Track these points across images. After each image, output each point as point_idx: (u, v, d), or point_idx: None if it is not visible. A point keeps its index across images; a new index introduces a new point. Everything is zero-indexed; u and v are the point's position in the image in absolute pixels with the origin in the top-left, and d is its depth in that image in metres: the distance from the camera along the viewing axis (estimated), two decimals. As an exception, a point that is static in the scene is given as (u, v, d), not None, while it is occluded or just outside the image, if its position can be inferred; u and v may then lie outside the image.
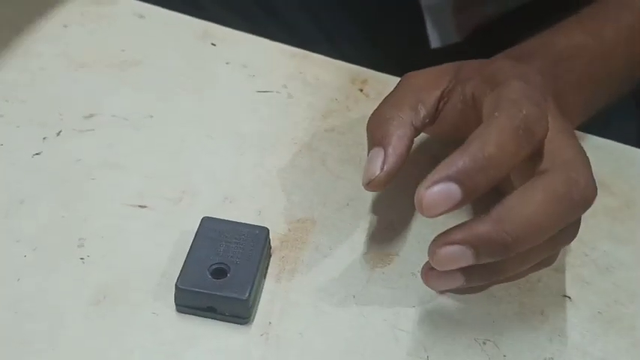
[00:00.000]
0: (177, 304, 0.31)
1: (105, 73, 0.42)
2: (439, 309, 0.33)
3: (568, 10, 0.48)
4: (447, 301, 0.33)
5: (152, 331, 0.31)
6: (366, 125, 0.34)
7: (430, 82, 0.34)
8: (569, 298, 0.34)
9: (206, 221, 0.33)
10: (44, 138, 0.38)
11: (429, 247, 0.29)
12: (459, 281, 0.30)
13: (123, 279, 0.32)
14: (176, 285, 0.31)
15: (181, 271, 0.31)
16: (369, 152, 0.33)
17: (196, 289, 0.31)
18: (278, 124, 0.40)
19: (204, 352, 0.31)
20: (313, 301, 0.33)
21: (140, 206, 0.35)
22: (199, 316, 0.31)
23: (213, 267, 0.31)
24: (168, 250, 0.34)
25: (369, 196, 0.37)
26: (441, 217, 0.36)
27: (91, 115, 0.39)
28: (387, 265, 0.34)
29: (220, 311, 0.31)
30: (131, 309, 0.32)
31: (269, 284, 0.33)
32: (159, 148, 0.38)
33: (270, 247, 0.34)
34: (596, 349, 0.32)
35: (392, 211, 0.37)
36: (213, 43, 0.44)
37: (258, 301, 0.32)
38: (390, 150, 0.32)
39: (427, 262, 0.31)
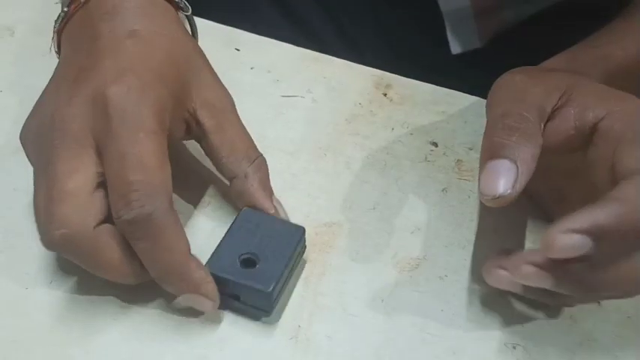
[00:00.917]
0: None
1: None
2: (468, 313, 0.33)
3: (588, 16, 0.48)
4: (476, 305, 0.33)
5: (183, 334, 0.31)
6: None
7: (538, 95, 0.32)
8: (598, 302, 0.33)
9: (245, 212, 0.33)
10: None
11: (549, 232, 0.28)
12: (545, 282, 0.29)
13: (152, 283, 0.33)
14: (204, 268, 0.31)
15: (212, 255, 0.31)
16: (490, 160, 0.29)
17: (224, 275, 0.31)
18: (302, 129, 0.41)
19: (234, 355, 0.31)
20: (341, 304, 0.33)
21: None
22: (223, 300, 0.31)
23: (244, 256, 0.31)
24: (194, 253, 0.34)
25: (395, 200, 0.37)
26: (466, 222, 0.36)
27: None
28: (414, 269, 0.34)
29: (244, 300, 0.31)
30: (161, 312, 0.32)
31: (298, 287, 0.33)
32: (183, 153, 0.38)
33: (305, 247, 0.34)
34: (626, 353, 0.32)
35: (418, 214, 0.37)
36: (237, 48, 0.44)
37: (283, 299, 0.32)
38: (523, 169, 0.29)
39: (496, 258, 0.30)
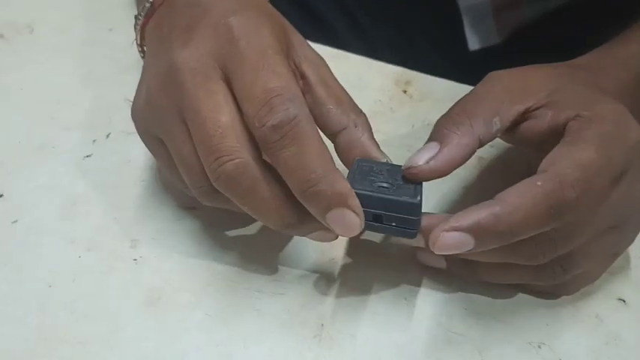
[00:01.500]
0: None
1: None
2: (492, 311, 0.32)
3: (606, 13, 0.47)
4: (500, 304, 0.33)
5: (206, 332, 0.31)
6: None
7: (516, 95, 0.32)
8: (624, 301, 0.33)
9: (360, 160, 0.32)
10: (94, 140, 0.38)
11: (432, 232, 0.29)
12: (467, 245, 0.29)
13: (176, 280, 0.33)
14: None
15: (349, 179, 0.30)
16: (426, 143, 0.32)
17: (366, 192, 0.29)
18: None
19: (258, 354, 0.31)
20: (365, 303, 0.33)
21: (190, 208, 0.36)
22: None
23: (379, 185, 0.30)
24: (217, 251, 0.34)
25: (417, 197, 0.37)
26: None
27: (139, 118, 0.40)
28: (437, 267, 0.34)
29: (386, 221, 0.30)
30: (185, 310, 0.32)
31: (321, 286, 0.33)
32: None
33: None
34: (653, 353, 0.32)
35: (440, 211, 0.36)
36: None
37: (304, 298, 0.32)
38: (445, 151, 0.31)
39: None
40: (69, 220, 0.35)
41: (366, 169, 0.31)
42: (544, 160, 0.30)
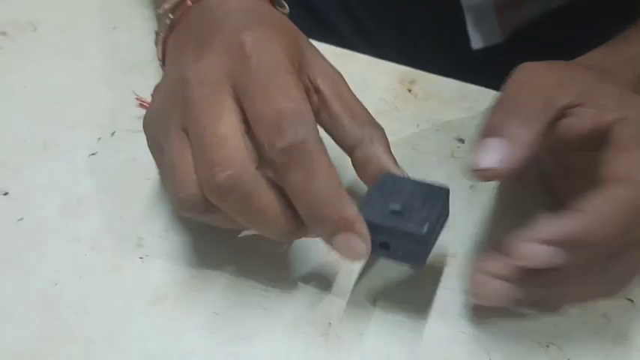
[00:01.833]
0: None
1: (155, 74, 0.42)
2: (501, 311, 0.32)
3: (609, 13, 0.47)
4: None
5: (213, 331, 0.31)
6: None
7: (555, 88, 0.31)
8: (632, 301, 0.33)
9: (384, 175, 0.31)
10: (99, 138, 0.38)
11: (511, 244, 0.28)
12: (511, 295, 0.29)
13: (182, 278, 0.33)
14: None
15: (361, 204, 0.30)
16: (483, 137, 0.29)
17: (374, 221, 0.29)
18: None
19: (265, 353, 0.31)
20: (372, 302, 0.32)
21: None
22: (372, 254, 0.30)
23: (392, 208, 0.29)
24: (224, 249, 0.34)
25: (423, 197, 0.37)
26: (496, 218, 0.36)
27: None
28: (444, 267, 0.34)
29: (393, 249, 0.29)
30: (191, 308, 0.32)
31: (327, 284, 0.33)
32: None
33: (449, 208, 0.32)
34: (661, 352, 0.32)
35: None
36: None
37: (314, 297, 0.32)
38: (517, 149, 0.28)
39: (477, 273, 0.29)
40: (74, 218, 0.34)
41: (388, 186, 0.31)
42: (608, 167, 0.29)
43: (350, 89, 0.34)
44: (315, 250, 0.34)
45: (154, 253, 0.33)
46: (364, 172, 0.32)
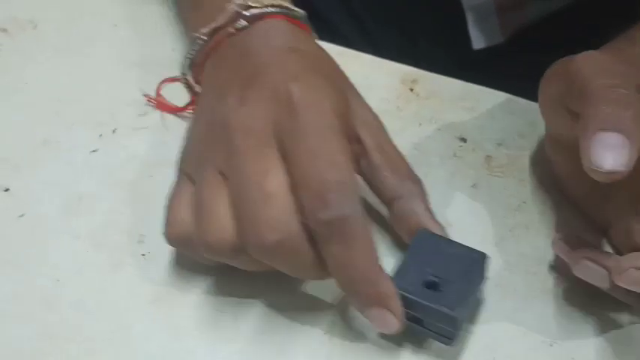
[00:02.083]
0: None
1: (156, 71, 0.42)
2: (504, 310, 0.32)
3: (610, 13, 0.47)
4: (513, 303, 0.33)
5: (216, 329, 0.31)
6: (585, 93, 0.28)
7: (626, 72, 0.29)
8: (635, 300, 0.33)
9: (422, 233, 0.31)
10: (100, 135, 0.38)
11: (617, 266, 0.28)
12: None
13: (185, 276, 0.32)
14: None
15: (394, 273, 0.30)
16: (598, 131, 0.27)
17: (408, 295, 0.29)
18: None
19: (268, 351, 0.30)
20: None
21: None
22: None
23: (427, 278, 0.30)
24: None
25: (425, 195, 0.37)
26: (498, 218, 0.36)
27: (145, 113, 0.39)
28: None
29: (426, 325, 0.30)
30: (194, 306, 0.31)
31: (332, 282, 0.33)
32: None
33: (486, 277, 0.31)
34: (664, 351, 0.31)
35: (448, 211, 0.36)
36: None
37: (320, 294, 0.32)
38: (637, 145, 0.26)
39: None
40: (75, 215, 0.34)
41: (425, 248, 0.31)
42: None
43: (391, 140, 0.34)
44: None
45: (156, 251, 0.33)
46: (402, 227, 0.33)
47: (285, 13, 0.34)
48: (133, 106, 0.40)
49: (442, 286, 0.29)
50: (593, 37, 0.39)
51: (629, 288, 0.28)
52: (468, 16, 0.51)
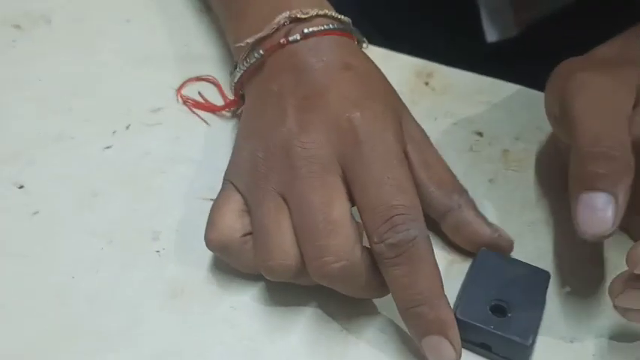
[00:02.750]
0: None
1: (168, 67, 0.41)
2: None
3: (624, 6, 0.47)
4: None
5: (231, 326, 0.31)
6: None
7: (623, 102, 0.30)
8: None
9: (483, 254, 0.32)
10: (114, 132, 0.38)
11: (631, 251, 0.27)
12: None
13: (199, 272, 0.32)
14: (455, 315, 0.29)
15: (458, 300, 0.30)
16: (584, 192, 0.28)
17: (477, 323, 0.29)
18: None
19: (284, 348, 0.30)
20: (390, 297, 0.32)
21: (212, 200, 0.35)
22: (466, 348, 0.30)
23: (493, 303, 0.30)
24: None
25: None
26: (515, 213, 0.35)
27: (159, 109, 0.39)
28: (464, 262, 0.33)
29: (495, 351, 0.29)
30: (209, 303, 0.31)
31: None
32: (228, 142, 0.38)
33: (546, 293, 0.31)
34: (686, 349, 0.31)
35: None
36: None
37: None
38: (622, 203, 0.28)
39: (617, 279, 0.29)
40: (90, 211, 0.34)
41: (488, 268, 0.31)
42: None
43: (437, 154, 0.34)
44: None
45: (170, 247, 0.33)
46: (457, 239, 0.33)
47: (336, 29, 0.33)
48: (146, 102, 0.39)
49: (510, 310, 0.29)
50: (607, 32, 0.39)
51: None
52: (482, 8, 0.50)
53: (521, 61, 0.50)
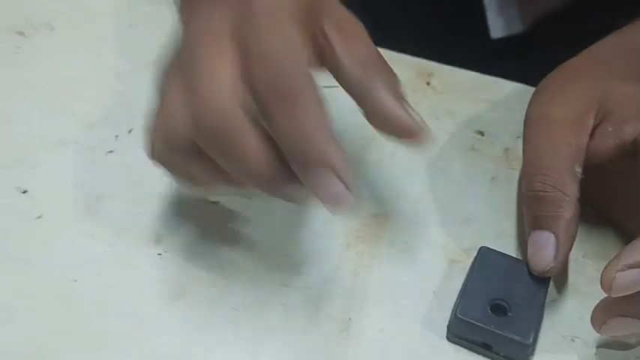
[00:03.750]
0: (449, 332, 0.30)
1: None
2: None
3: (630, 5, 0.46)
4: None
5: (231, 327, 0.31)
6: (519, 194, 0.33)
7: (575, 126, 0.31)
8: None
9: (483, 252, 0.32)
10: (116, 136, 0.38)
11: (603, 273, 0.27)
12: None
13: (201, 274, 0.32)
14: (454, 314, 0.29)
15: (460, 299, 0.30)
16: (531, 231, 0.31)
17: (477, 323, 0.29)
18: (346, 120, 0.40)
19: (284, 349, 0.30)
20: (392, 297, 0.32)
21: (213, 202, 0.35)
22: (467, 348, 0.30)
23: (494, 302, 0.30)
24: (243, 245, 0.33)
25: (442, 190, 0.37)
26: (517, 211, 0.35)
27: (161, 113, 0.39)
28: (465, 261, 0.33)
29: (495, 350, 0.29)
30: (210, 305, 0.31)
31: (347, 279, 0.33)
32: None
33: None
34: (690, 347, 0.31)
35: (467, 205, 0.36)
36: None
37: (333, 290, 0.32)
38: (563, 238, 0.30)
39: (598, 308, 0.29)
40: (93, 215, 0.34)
41: (488, 267, 0.31)
42: None
43: (366, 36, 0.31)
44: (334, 245, 0.34)
45: (173, 250, 0.33)
46: (377, 127, 0.30)
47: None
48: (148, 106, 0.40)
49: (510, 310, 0.29)
50: (611, 28, 0.38)
51: (618, 295, 0.28)
52: (487, 4, 0.50)
53: (522, 60, 0.50)
